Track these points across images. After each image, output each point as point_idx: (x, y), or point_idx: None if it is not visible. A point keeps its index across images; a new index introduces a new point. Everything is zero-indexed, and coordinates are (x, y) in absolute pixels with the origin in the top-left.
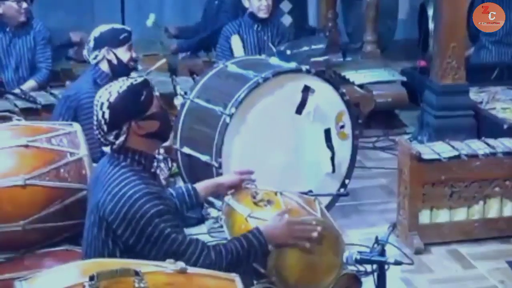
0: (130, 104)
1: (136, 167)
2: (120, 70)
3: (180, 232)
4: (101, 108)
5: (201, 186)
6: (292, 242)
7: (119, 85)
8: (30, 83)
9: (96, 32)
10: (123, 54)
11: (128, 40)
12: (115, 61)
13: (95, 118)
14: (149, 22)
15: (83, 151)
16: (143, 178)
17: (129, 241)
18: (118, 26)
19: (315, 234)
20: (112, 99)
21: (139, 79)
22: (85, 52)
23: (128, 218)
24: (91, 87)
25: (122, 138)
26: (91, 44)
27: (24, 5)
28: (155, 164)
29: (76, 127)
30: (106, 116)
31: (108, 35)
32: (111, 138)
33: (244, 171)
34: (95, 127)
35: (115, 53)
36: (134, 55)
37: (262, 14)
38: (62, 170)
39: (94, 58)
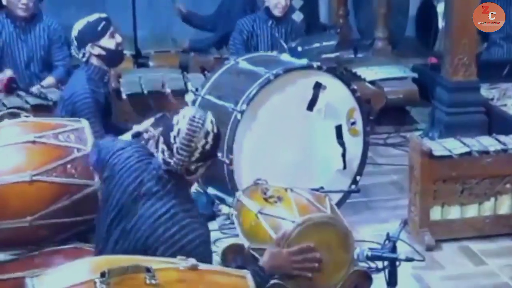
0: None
1: (186, 205)
2: (112, 58)
3: None
4: (205, 137)
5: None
6: (295, 273)
7: (211, 116)
8: (49, 80)
9: (75, 31)
10: (108, 43)
11: (108, 28)
12: (103, 53)
13: (188, 143)
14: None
15: (90, 147)
16: (192, 217)
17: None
18: (93, 17)
19: (317, 255)
20: (215, 131)
21: None
22: (73, 52)
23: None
24: (85, 86)
25: (202, 171)
26: (75, 43)
27: (24, 0)
28: None
29: (84, 123)
30: (208, 146)
31: (87, 31)
32: (192, 167)
33: None
34: (184, 151)
35: (100, 46)
36: (119, 40)
37: (277, 13)
38: (69, 166)
39: (83, 56)
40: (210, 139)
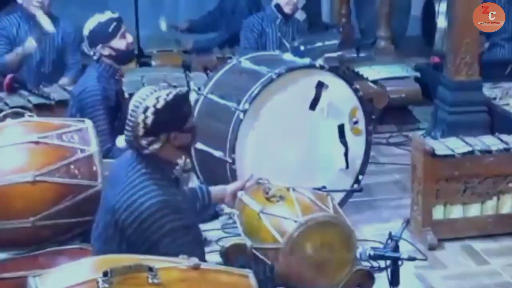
0: (175, 114)
1: (157, 174)
2: (122, 58)
3: (187, 252)
4: (144, 112)
5: (211, 190)
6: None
7: (166, 93)
8: (64, 81)
9: (86, 30)
10: (119, 43)
11: (119, 29)
12: (114, 53)
13: (131, 118)
14: (163, 26)
15: (93, 147)
16: (162, 188)
17: (139, 249)
18: (104, 17)
19: None
20: (159, 106)
21: (183, 90)
22: (84, 49)
23: (142, 228)
24: (95, 83)
25: (156, 146)
26: (87, 42)
27: None
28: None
29: (88, 123)
30: (149, 121)
31: (97, 32)
32: (143, 142)
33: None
34: (128, 127)
35: (110, 47)
36: (130, 40)
37: (288, 10)
38: (72, 167)
39: (94, 55)
40: (149, 113)
